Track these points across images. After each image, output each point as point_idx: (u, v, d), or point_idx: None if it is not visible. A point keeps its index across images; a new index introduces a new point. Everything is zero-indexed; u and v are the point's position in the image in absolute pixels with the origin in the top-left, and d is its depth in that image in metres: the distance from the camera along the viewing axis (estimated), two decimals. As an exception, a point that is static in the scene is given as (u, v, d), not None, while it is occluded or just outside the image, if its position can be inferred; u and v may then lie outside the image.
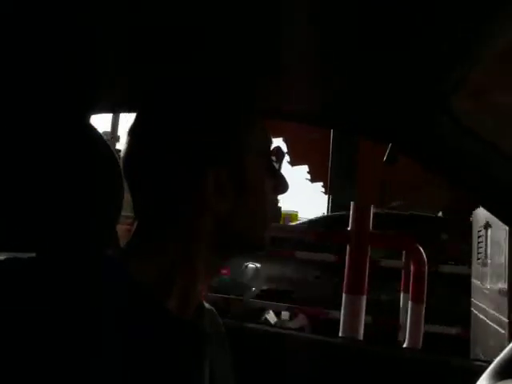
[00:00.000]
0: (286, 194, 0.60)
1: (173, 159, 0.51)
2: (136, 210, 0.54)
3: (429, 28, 0.55)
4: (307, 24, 0.55)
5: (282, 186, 0.59)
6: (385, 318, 2.88)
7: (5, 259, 0.45)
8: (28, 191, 0.51)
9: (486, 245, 2.24)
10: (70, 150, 0.54)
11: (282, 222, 7.10)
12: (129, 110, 0.57)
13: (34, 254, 0.51)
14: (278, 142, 0.61)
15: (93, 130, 0.59)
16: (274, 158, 0.58)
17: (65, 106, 0.63)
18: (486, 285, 2.23)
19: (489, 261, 2.20)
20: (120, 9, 0.53)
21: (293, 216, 11.84)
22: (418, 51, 0.60)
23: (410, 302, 2.31)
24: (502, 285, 1.88)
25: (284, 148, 0.62)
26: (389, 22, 0.53)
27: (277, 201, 0.62)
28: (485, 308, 2.20)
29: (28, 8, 0.53)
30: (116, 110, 0.96)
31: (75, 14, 0.55)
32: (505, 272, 1.85)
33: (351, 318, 2.17)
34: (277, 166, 0.59)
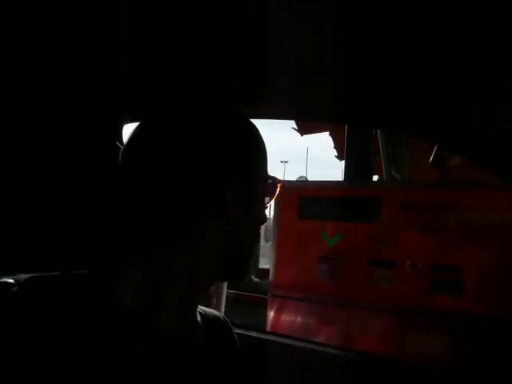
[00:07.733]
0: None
1: (196, 170, 0.51)
2: (136, 222, 0.53)
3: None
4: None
5: (265, 216, 0.62)
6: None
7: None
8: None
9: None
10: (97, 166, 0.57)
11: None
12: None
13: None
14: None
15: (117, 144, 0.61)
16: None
17: (95, 120, 0.66)
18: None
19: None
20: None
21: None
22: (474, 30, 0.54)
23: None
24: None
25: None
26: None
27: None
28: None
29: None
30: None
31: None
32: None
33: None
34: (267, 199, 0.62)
